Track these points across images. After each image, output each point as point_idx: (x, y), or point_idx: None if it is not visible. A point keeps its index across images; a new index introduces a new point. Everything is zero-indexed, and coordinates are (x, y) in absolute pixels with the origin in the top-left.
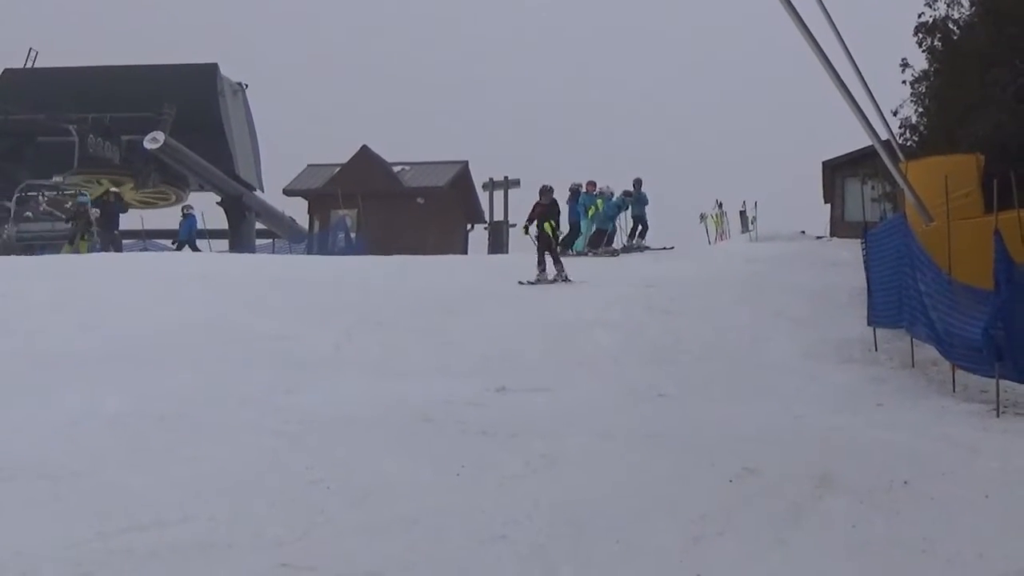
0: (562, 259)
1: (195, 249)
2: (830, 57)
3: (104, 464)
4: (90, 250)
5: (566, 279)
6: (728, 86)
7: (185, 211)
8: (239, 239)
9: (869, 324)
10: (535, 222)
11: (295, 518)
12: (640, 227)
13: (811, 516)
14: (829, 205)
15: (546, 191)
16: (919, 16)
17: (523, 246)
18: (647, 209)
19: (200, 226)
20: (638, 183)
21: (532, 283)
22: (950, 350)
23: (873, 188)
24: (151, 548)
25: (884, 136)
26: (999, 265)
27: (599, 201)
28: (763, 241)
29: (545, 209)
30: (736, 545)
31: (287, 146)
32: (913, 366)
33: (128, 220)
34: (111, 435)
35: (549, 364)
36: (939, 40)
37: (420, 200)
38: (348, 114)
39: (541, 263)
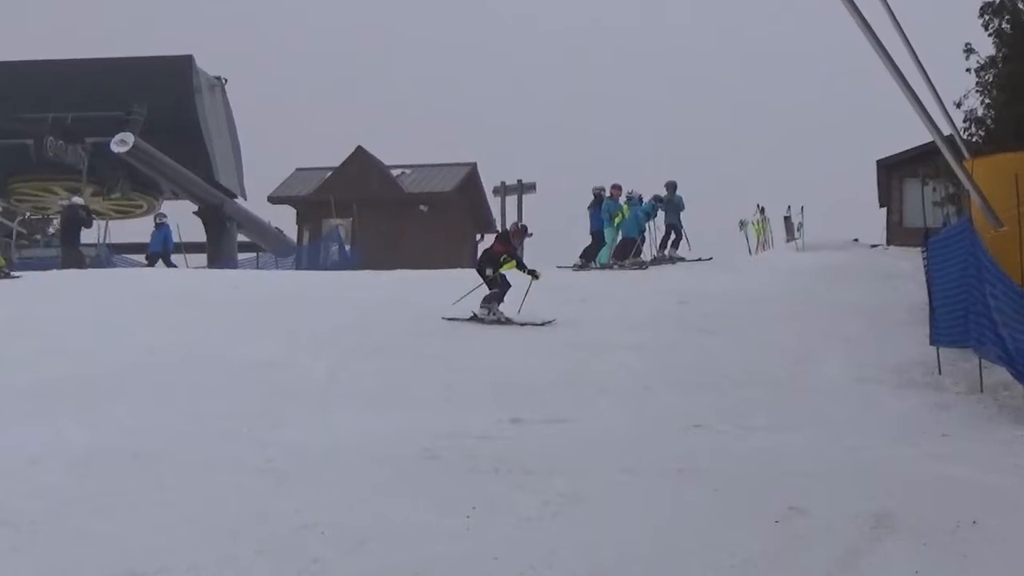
0: (587, 267)
1: (169, 264)
2: (885, 44)
3: (69, 509)
4: (6, 268)
5: (497, 317)
6: (768, 78)
7: (158, 220)
8: (219, 253)
9: (932, 343)
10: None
11: (284, 568)
12: (673, 235)
13: (868, 561)
14: (885, 209)
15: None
16: None
17: (538, 258)
18: (682, 216)
19: (176, 239)
20: (672, 186)
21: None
22: None
23: (935, 190)
24: None
25: (946, 131)
26: None
27: (625, 207)
28: (811, 251)
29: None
30: None
31: (272, 148)
32: (982, 391)
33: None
34: (77, 476)
35: (569, 391)
36: (1007, 22)
37: (423, 207)
38: (341, 112)
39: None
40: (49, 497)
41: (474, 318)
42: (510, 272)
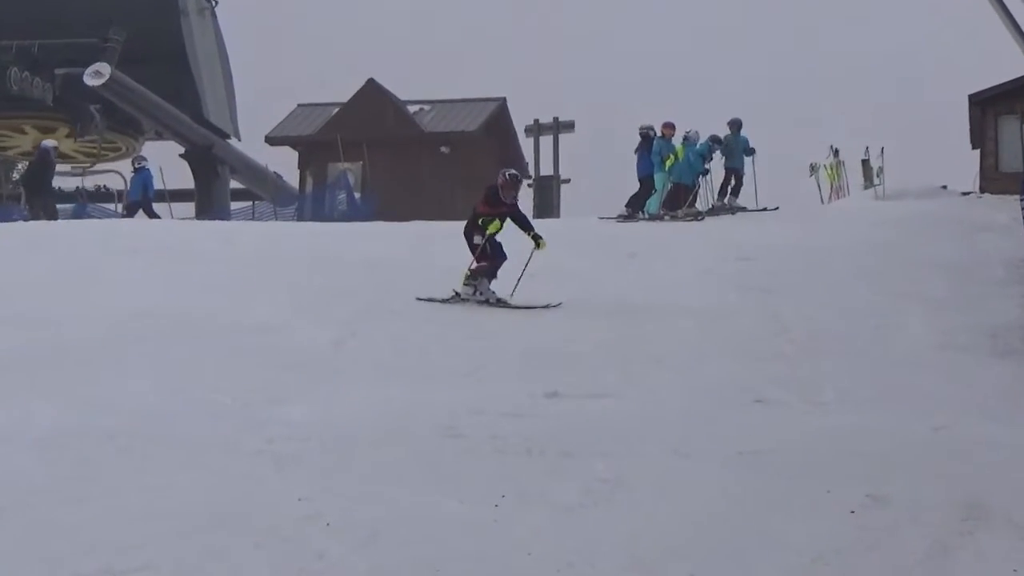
0: (633, 218)
1: (151, 215)
2: None
3: (37, 497)
4: None
5: (486, 297)
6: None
7: (136, 164)
8: (209, 202)
9: None
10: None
11: (284, 564)
12: (733, 181)
13: (959, 557)
14: (978, 151)
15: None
16: None
17: (578, 208)
18: (748, 160)
19: (159, 186)
20: (737, 124)
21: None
22: None
23: None
24: None
25: None
26: None
27: (679, 148)
28: (891, 199)
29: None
30: None
31: (270, 80)
32: None
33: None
34: (46, 459)
35: (612, 361)
36: None
37: (444, 149)
38: (349, 38)
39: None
40: (13, 484)
41: (455, 298)
42: (506, 238)
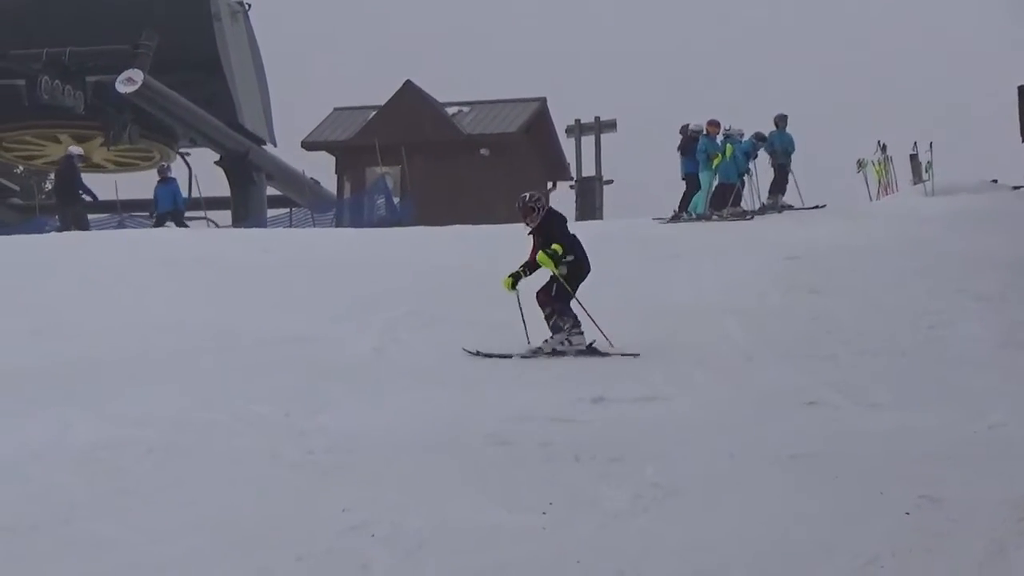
0: (678, 219)
1: (182, 224)
2: None
3: (74, 512)
4: None
5: (566, 348)
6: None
7: (162, 175)
8: (245, 209)
9: None
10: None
11: None
12: (775, 175)
13: (1016, 557)
14: None
15: (531, 207)
16: None
17: (622, 210)
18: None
19: (196, 194)
20: (782, 120)
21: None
22: None
23: None
24: None
25: None
26: None
27: (728, 146)
28: (941, 194)
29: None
30: None
31: (306, 85)
32: None
33: (101, 188)
34: (84, 474)
35: (660, 364)
36: None
37: (484, 151)
38: (386, 41)
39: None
40: (52, 498)
41: (539, 352)
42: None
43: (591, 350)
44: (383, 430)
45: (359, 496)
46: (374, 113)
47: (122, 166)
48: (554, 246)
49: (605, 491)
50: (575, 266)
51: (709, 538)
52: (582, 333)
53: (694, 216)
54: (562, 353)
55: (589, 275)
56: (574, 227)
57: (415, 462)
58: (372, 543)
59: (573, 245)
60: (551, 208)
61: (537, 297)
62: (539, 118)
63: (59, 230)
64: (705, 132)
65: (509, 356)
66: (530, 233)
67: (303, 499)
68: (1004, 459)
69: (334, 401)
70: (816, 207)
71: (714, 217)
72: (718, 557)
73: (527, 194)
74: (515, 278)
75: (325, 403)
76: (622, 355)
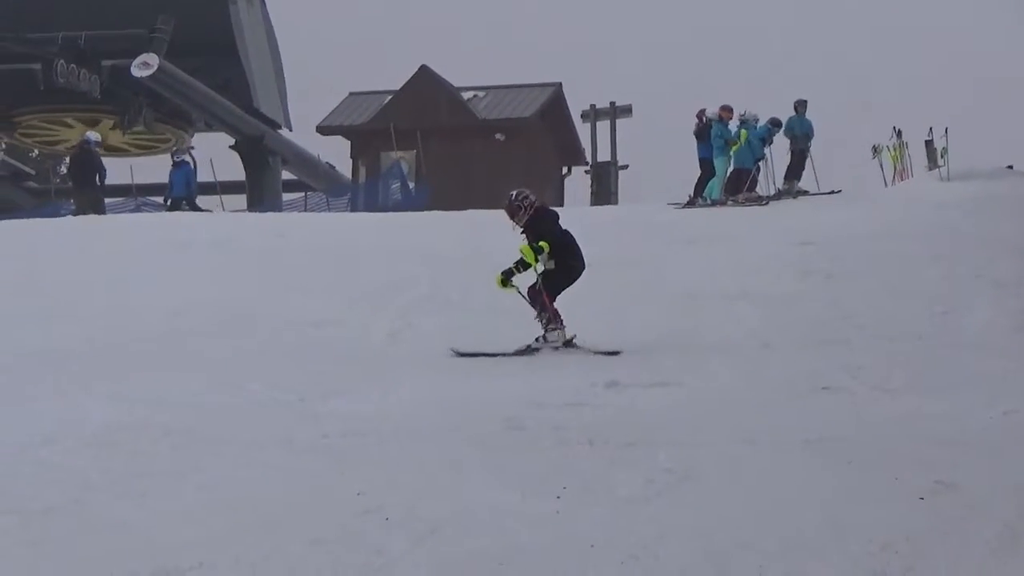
0: (693, 204)
1: (195, 208)
2: None
3: (89, 495)
4: None
5: (540, 344)
6: None
7: (176, 158)
8: (260, 193)
9: None
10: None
11: (343, 560)
12: (795, 164)
13: None
14: None
15: (517, 205)
16: None
17: (637, 195)
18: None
19: (209, 178)
20: (802, 105)
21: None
22: None
23: None
24: None
25: None
26: None
27: (744, 132)
28: (957, 180)
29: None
30: None
31: (321, 69)
32: None
33: (118, 172)
34: (98, 456)
35: (675, 349)
36: None
37: (499, 136)
38: (401, 25)
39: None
40: (66, 481)
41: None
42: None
43: (570, 345)
44: (398, 414)
45: (374, 480)
46: (389, 98)
47: (143, 149)
48: (541, 243)
49: (619, 476)
50: (562, 269)
51: (723, 523)
52: (558, 329)
53: (709, 201)
54: (536, 350)
55: (593, 267)
56: (590, 213)
57: (429, 447)
58: (387, 527)
59: (565, 245)
60: (540, 206)
61: (528, 292)
62: (554, 103)
63: (75, 214)
64: (719, 118)
65: (494, 355)
66: (522, 232)
67: (318, 483)
68: (1020, 445)
69: (349, 385)
70: (831, 192)
71: (729, 202)
72: (731, 541)
73: (513, 192)
74: (506, 275)
75: (340, 387)
76: (605, 353)
